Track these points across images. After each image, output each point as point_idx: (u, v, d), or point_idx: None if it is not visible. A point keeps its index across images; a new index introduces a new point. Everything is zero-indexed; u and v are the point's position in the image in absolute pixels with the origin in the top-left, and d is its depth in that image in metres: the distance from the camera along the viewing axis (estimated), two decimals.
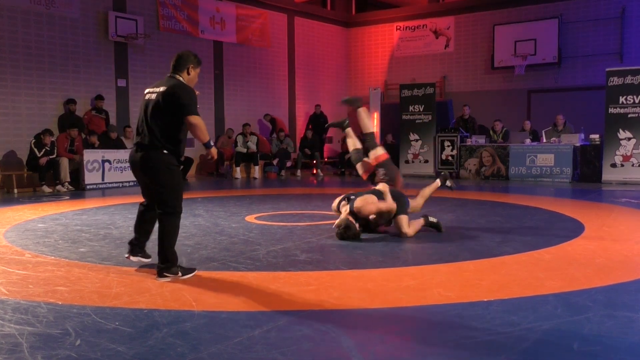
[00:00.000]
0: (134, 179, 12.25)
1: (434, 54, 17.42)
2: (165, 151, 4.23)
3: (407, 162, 14.04)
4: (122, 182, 11.37)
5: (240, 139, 14.06)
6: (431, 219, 6.12)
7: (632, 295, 3.76)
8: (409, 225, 5.82)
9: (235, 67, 15.57)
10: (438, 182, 6.61)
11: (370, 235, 5.94)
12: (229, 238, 5.79)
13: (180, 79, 4.33)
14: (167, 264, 4.18)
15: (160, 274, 4.17)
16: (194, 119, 4.18)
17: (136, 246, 4.61)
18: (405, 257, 4.97)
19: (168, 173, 4.25)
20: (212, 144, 4.43)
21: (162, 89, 4.24)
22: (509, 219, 7.01)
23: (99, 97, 12.27)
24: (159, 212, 4.28)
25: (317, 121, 16.04)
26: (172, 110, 4.19)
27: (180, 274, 4.20)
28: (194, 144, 14.63)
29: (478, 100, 16.07)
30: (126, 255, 4.62)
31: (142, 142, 4.26)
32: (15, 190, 10.49)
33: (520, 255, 4.92)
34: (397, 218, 5.81)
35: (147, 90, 4.41)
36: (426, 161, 13.79)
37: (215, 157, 4.54)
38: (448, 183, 6.64)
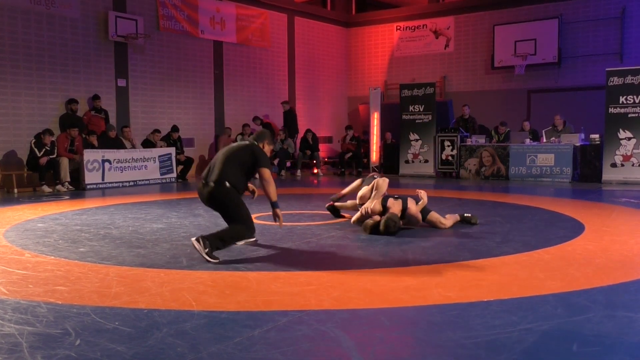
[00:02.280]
0: (134, 178, 12.34)
1: (434, 54, 17.42)
2: (228, 184, 5.01)
3: (407, 162, 14.04)
4: (122, 182, 11.37)
5: (239, 139, 14.05)
6: (466, 215, 6.67)
7: (632, 295, 3.76)
8: (445, 218, 6.44)
9: (235, 67, 15.56)
10: (458, 217, 6.68)
11: (370, 235, 5.94)
12: None
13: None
14: (212, 242, 4.73)
15: (198, 240, 4.73)
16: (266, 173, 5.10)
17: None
18: (405, 257, 4.97)
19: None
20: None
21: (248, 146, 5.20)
22: (509, 219, 7.01)
23: (96, 97, 12.26)
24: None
25: (286, 119, 15.53)
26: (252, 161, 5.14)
27: (207, 255, 4.69)
28: (194, 144, 14.65)
29: (478, 100, 16.06)
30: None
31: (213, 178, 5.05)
32: (15, 190, 10.49)
33: (520, 255, 4.92)
34: (429, 216, 6.34)
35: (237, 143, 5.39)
36: (426, 161, 13.78)
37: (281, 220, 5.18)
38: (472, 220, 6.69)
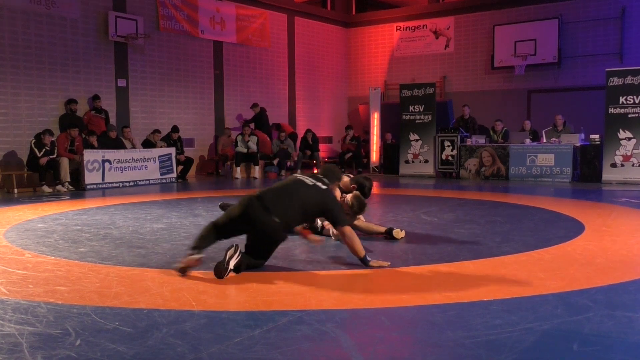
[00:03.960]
0: (134, 179, 12.08)
1: (434, 54, 17.42)
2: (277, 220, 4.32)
3: (407, 162, 14.04)
4: (122, 182, 11.36)
5: (239, 138, 14.05)
6: (394, 231, 5.71)
7: (632, 295, 3.76)
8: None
9: (235, 67, 15.57)
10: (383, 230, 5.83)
11: (369, 234, 5.93)
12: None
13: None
14: (242, 261, 4.26)
15: (236, 250, 4.23)
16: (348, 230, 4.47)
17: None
18: (405, 257, 4.97)
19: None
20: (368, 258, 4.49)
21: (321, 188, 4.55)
22: (509, 219, 7.00)
23: (96, 97, 12.27)
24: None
25: (260, 120, 15.15)
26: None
27: (228, 267, 4.18)
28: (194, 144, 14.65)
29: (478, 100, 16.06)
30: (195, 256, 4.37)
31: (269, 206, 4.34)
32: (15, 190, 10.48)
33: (520, 255, 4.92)
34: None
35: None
36: (426, 161, 13.79)
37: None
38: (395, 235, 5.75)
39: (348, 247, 4.49)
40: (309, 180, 4.57)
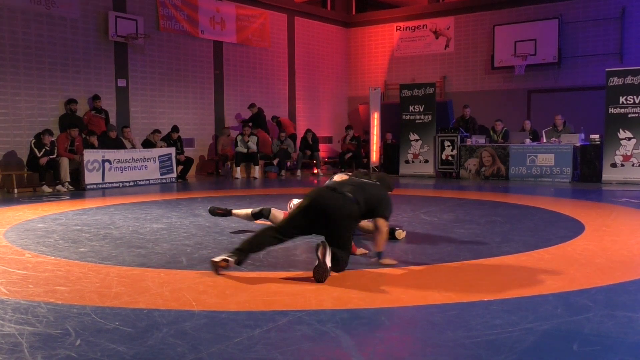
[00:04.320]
0: (134, 179, 12.06)
1: (434, 54, 17.42)
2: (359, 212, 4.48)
3: (407, 162, 14.04)
4: (122, 182, 11.36)
5: (239, 138, 14.06)
6: (396, 230, 5.78)
7: (632, 295, 3.76)
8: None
9: (235, 67, 15.57)
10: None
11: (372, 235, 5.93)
12: (229, 238, 5.78)
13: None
14: (335, 265, 4.22)
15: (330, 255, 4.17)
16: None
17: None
18: (405, 257, 4.97)
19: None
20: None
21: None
22: (509, 219, 7.00)
23: (96, 97, 12.27)
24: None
25: (257, 120, 15.06)
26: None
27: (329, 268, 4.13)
28: (194, 144, 14.65)
29: (478, 100, 16.06)
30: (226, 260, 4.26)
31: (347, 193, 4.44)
32: (15, 190, 10.48)
33: (520, 255, 4.92)
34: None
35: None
36: (426, 161, 13.79)
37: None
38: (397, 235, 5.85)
39: (375, 237, 4.62)
40: (381, 189, 4.84)
